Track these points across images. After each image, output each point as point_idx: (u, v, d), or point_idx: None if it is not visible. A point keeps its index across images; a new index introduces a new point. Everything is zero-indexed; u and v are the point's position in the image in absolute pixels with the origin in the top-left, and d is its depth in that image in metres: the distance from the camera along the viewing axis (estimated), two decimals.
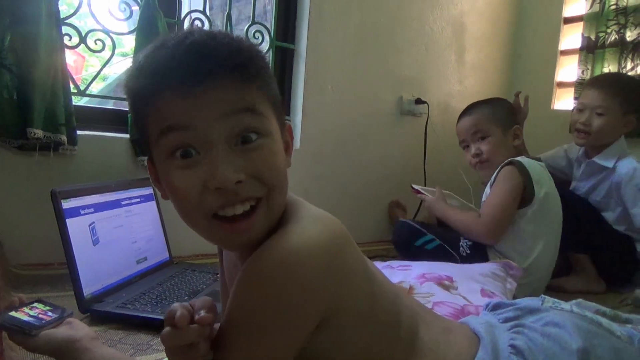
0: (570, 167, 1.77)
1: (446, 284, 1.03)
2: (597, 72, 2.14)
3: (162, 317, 0.96)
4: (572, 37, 2.35)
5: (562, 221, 1.42)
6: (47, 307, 0.75)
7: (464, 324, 0.66)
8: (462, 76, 2.36)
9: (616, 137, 1.59)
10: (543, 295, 0.70)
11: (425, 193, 1.63)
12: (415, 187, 1.71)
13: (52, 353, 0.68)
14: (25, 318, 0.70)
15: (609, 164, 1.57)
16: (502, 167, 1.38)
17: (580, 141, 1.62)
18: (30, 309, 0.73)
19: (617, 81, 1.64)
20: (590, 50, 2.18)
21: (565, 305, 0.66)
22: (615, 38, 2.10)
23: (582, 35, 2.21)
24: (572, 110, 1.69)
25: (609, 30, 2.12)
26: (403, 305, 0.60)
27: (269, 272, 0.47)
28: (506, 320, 0.65)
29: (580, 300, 0.91)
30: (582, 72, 2.20)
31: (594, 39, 2.17)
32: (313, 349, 0.52)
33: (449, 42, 2.28)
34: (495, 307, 0.70)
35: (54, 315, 0.73)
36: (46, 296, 1.12)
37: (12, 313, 0.71)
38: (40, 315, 0.72)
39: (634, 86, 1.63)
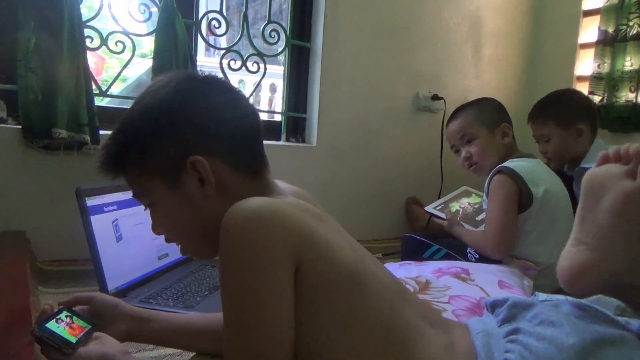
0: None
1: (463, 277, 1.04)
2: (619, 66, 2.11)
3: (183, 312, 0.99)
4: (592, 31, 2.31)
5: (572, 215, 1.39)
6: (76, 318, 0.73)
7: (466, 333, 0.63)
8: (479, 71, 2.35)
9: (579, 147, 1.64)
10: (537, 293, 0.68)
11: (439, 215, 1.63)
12: (429, 210, 1.71)
13: None
14: (61, 333, 0.68)
15: None
16: (492, 177, 1.35)
17: (552, 165, 1.71)
18: (60, 320, 0.71)
19: (541, 108, 1.72)
20: (608, 43, 2.14)
21: (560, 297, 0.64)
22: (638, 31, 2.06)
23: (599, 28, 2.17)
24: None
25: (630, 23, 2.08)
26: (401, 317, 0.59)
27: (226, 233, 0.53)
28: (503, 321, 0.63)
29: (600, 295, 0.90)
30: (598, 66, 2.17)
31: (612, 32, 2.13)
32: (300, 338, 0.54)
33: (465, 38, 2.27)
34: (493, 307, 0.68)
35: (85, 330, 0.71)
36: (71, 291, 1.16)
37: (48, 325, 0.68)
38: (73, 330, 0.70)
39: (558, 103, 1.71)
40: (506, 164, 1.35)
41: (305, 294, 0.54)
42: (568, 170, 1.73)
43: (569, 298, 0.64)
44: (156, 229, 0.68)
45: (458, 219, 1.58)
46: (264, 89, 4.13)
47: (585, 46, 2.35)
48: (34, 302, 0.94)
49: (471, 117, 1.46)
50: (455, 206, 1.73)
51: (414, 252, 1.49)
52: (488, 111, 1.47)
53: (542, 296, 0.66)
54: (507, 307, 0.64)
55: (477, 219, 1.66)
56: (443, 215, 1.61)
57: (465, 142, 1.47)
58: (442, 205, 1.74)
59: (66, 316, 0.73)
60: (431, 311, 0.69)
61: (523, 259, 1.28)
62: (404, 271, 1.12)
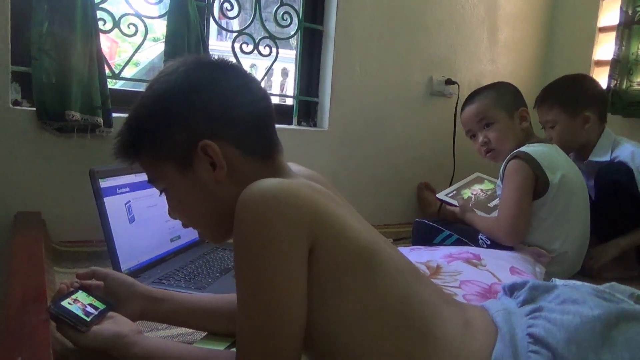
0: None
1: (474, 262, 1.03)
2: (633, 49, 2.05)
3: (195, 292, 1.00)
4: (611, 14, 2.25)
5: (588, 203, 1.37)
6: (91, 298, 0.74)
7: (484, 311, 0.63)
8: (495, 55, 2.30)
9: (586, 135, 1.58)
10: (553, 279, 0.67)
11: (451, 202, 1.62)
12: (440, 197, 1.70)
13: (100, 349, 0.68)
14: (76, 311, 0.69)
15: (606, 157, 1.55)
16: (508, 161, 1.33)
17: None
18: (77, 300, 0.72)
19: (548, 93, 1.64)
20: (628, 26, 2.08)
21: (577, 282, 0.64)
22: None
23: (621, 9, 2.10)
24: None
25: None
26: (417, 295, 0.59)
27: (241, 212, 0.53)
28: (524, 302, 0.62)
29: (613, 283, 0.89)
30: (619, 49, 2.11)
31: (631, 14, 2.07)
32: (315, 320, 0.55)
33: (481, 20, 2.23)
34: (511, 290, 0.67)
35: (99, 309, 0.73)
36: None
37: (64, 303, 0.70)
38: (88, 309, 0.71)
39: (566, 88, 1.63)
40: (523, 149, 1.33)
41: (319, 275, 0.55)
42: (574, 160, 1.68)
43: (586, 283, 0.64)
44: (172, 213, 0.69)
45: (470, 205, 1.57)
46: (276, 73, 4.12)
47: (604, 30, 2.29)
48: (49, 281, 0.96)
49: (489, 101, 1.43)
50: (467, 193, 1.72)
51: (425, 237, 1.48)
52: (506, 95, 1.44)
53: (559, 281, 0.65)
54: (528, 289, 0.64)
55: (489, 205, 1.65)
56: (455, 202, 1.60)
57: (484, 126, 1.44)
58: (454, 192, 1.72)
59: (82, 295, 0.74)
60: (444, 292, 0.69)
61: (536, 246, 1.27)
62: (415, 256, 1.11)
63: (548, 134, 1.63)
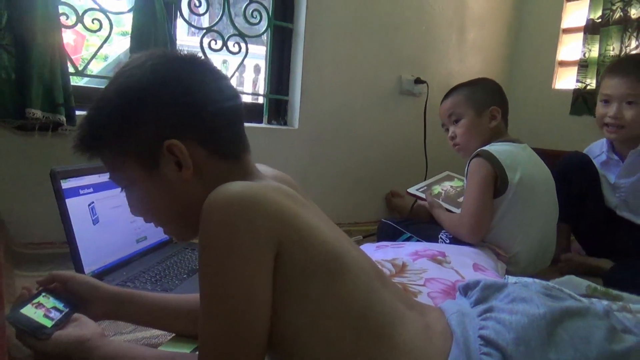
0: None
1: (439, 259, 1.05)
2: (602, 51, 2.12)
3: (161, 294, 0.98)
4: (574, 15, 2.33)
5: (554, 202, 1.39)
6: (54, 302, 0.72)
7: (441, 314, 0.65)
8: (463, 55, 2.34)
9: None
10: (507, 276, 0.70)
11: (421, 196, 1.64)
12: (411, 191, 1.72)
13: (62, 355, 0.67)
14: (37, 318, 0.68)
15: None
16: (470, 160, 1.35)
17: (612, 135, 1.48)
18: (39, 304, 0.70)
19: None
20: (594, 31, 2.16)
21: (528, 279, 0.67)
22: (620, 15, 2.08)
23: (587, 17, 2.19)
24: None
25: (614, 8, 2.10)
26: (380, 299, 0.60)
27: (207, 217, 0.53)
28: (476, 302, 0.64)
29: (571, 276, 0.92)
30: (584, 54, 2.19)
31: (598, 18, 2.15)
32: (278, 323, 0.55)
33: (450, 21, 2.26)
34: (465, 289, 0.69)
35: (63, 312, 0.71)
36: None
37: (24, 310, 0.68)
38: (51, 313, 0.70)
39: None
40: (486, 147, 1.34)
41: (285, 279, 0.54)
42: (609, 151, 1.55)
43: (536, 280, 0.66)
44: (133, 211, 0.67)
45: (440, 200, 1.59)
46: (248, 70, 4.08)
47: (567, 31, 2.36)
48: (9, 285, 0.93)
49: (461, 97, 1.45)
50: (437, 189, 1.75)
51: (388, 238, 1.50)
52: (480, 92, 1.45)
53: (512, 279, 0.68)
54: (480, 289, 0.66)
55: (459, 200, 1.68)
56: (424, 196, 1.62)
57: (453, 121, 1.47)
58: (425, 187, 1.75)
59: (44, 299, 0.72)
60: (406, 294, 0.70)
61: (493, 245, 1.29)
62: (381, 253, 1.12)
63: (618, 110, 1.44)
